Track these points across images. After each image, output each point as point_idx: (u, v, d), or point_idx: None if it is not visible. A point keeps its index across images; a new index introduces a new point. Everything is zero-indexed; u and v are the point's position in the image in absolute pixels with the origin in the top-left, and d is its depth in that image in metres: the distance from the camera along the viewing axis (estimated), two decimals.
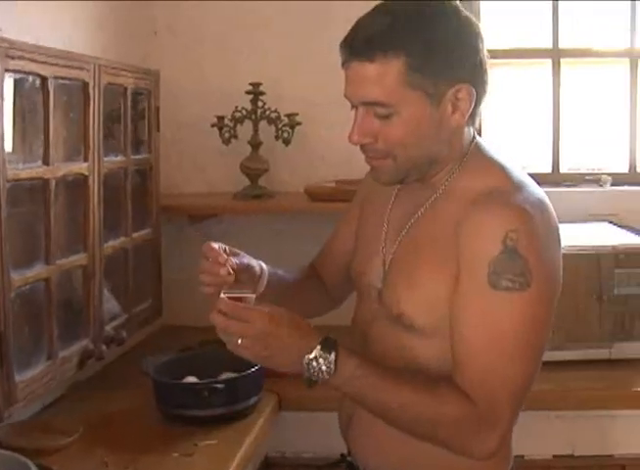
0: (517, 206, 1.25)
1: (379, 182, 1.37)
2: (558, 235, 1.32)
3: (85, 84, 1.82)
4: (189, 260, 2.70)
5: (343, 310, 1.69)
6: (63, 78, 1.74)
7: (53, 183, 1.71)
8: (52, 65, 1.67)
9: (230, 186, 2.69)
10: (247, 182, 2.62)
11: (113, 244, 2.04)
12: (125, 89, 2.05)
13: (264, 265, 1.50)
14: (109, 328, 2.01)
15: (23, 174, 1.62)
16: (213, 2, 2.67)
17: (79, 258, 1.87)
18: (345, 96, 1.32)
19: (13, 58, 1.53)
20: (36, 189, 1.69)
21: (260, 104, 2.57)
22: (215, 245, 1.39)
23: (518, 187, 1.30)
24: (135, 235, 2.17)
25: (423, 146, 1.30)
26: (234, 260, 1.39)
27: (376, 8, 1.28)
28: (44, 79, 1.66)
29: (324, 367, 1.22)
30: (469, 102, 1.28)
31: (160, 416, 1.95)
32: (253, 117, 2.57)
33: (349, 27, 1.29)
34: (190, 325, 2.47)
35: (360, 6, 1.36)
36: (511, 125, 2.81)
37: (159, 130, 2.27)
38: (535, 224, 1.24)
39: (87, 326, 1.91)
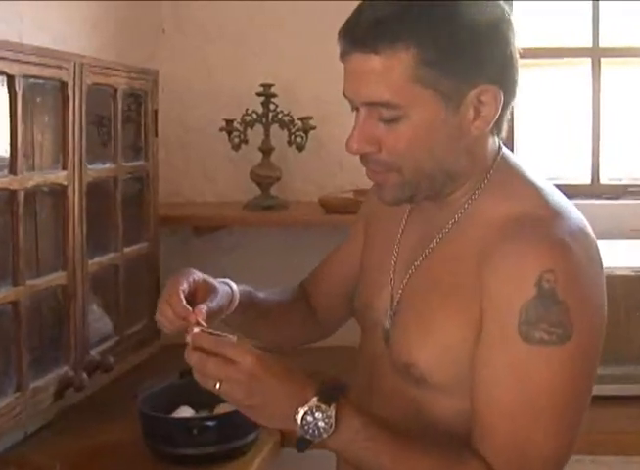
0: (555, 239, 1.05)
1: (382, 201, 1.16)
2: (602, 270, 1.11)
3: (63, 84, 1.63)
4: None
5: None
6: (35, 78, 1.55)
7: (21, 195, 1.53)
8: (21, 62, 1.49)
9: (240, 195, 2.50)
10: (257, 191, 2.43)
11: (99, 260, 1.85)
12: (116, 90, 1.86)
13: (235, 287, 1.30)
14: (94, 353, 1.83)
15: None
16: (225, 1, 2.49)
17: (57, 277, 1.68)
18: (345, 94, 1.12)
19: None
20: (1, 201, 1.51)
21: (272, 107, 2.37)
22: (182, 295, 1.18)
23: (555, 213, 1.09)
24: (127, 250, 1.98)
25: (436, 157, 1.09)
26: (203, 309, 1.17)
27: None
28: (10, 78, 1.47)
29: (321, 423, 1.02)
30: (495, 107, 1.07)
31: (149, 453, 1.76)
32: (265, 120, 2.37)
33: None
34: None
35: None
36: (545, 131, 2.57)
37: (157, 135, 2.08)
38: (577, 262, 1.05)
39: (67, 352, 1.73)
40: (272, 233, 2.51)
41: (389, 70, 1.03)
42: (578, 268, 1.04)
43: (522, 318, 1.02)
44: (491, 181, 1.14)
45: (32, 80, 1.54)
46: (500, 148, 1.17)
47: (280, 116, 2.37)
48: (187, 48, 2.54)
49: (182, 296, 1.16)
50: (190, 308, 1.15)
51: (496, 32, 1.06)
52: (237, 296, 1.30)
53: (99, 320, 1.96)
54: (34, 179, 1.58)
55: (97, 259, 1.84)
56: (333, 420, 1.02)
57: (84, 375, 1.73)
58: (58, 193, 1.68)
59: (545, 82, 2.59)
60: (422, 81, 1.03)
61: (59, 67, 1.61)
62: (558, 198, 1.13)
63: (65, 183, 1.67)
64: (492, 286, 1.04)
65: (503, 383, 1.05)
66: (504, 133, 1.16)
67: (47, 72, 1.58)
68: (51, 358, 1.70)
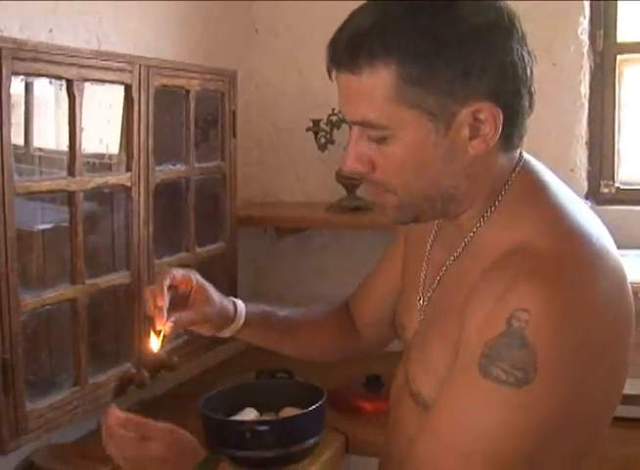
0: (541, 275, 0.94)
1: (387, 220, 1.10)
2: (612, 307, 0.98)
3: (127, 87, 1.66)
4: (278, 275, 2.57)
5: None
6: (96, 81, 1.59)
7: (80, 196, 1.57)
8: (81, 66, 1.52)
9: (328, 195, 2.47)
10: (344, 192, 2.40)
11: (168, 260, 1.87)
12: (188, 92, 1.88)
13: (240, 306, 1.33)
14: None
15: (38, 186, 1.49)
16: (316, 2, 2.46)
17: (120, 277, 1.72)
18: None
19: (23, 60, 1.40)
20: (60, 202, 1.55)
21: None
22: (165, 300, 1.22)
23: (558, 243, 0.98)
24: (200, 250, 2.00)
25: (430, 179, 1.02)
26: (170, 322, 1.23)
27: (368, 1, 1.00)
28: (69, 83, 1.51)
29: None
30: (493, 125, 0.98)
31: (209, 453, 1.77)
32: None
33: None
34: None
35: None
36: None
37: (235, 136, 2.08)
38: (559, 306, 0.92)
39: (130, 349, 1.76)
40: (357, 235, 2.47)
41: (371, 89, 0.96)
42: (562, 310, 0.92)
43: (484, 351, 0.94)
44: (501, 204, 1.05)
45: (92, 84, 1.58)
46: (518, 164, 1.07)
47: None
48: (278, 49, 2.54)
49: (166, 283, 1.22)
50: (165, 296, 1.21)
51: (488, 43, 0.96)
52: (241, 314, 1.33)
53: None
54: (94, 181, 1.61)
55: (165, 259, 1.86)
56: None
57: (146, 373, 1.76)
58: (122, 194, 1.71)
59: None
60: (406, 101, 0.96)
61: (122, 70, 1.64)
62: (576, 224, 1.01)
63: (128, 184, 1.71)
64: (468, 317, 0.97)
65: (445, 408, 0.99)
66: (519, 149, 1.06)
67: (110, 76, 1.62)
68: (113, 355, 1.74)
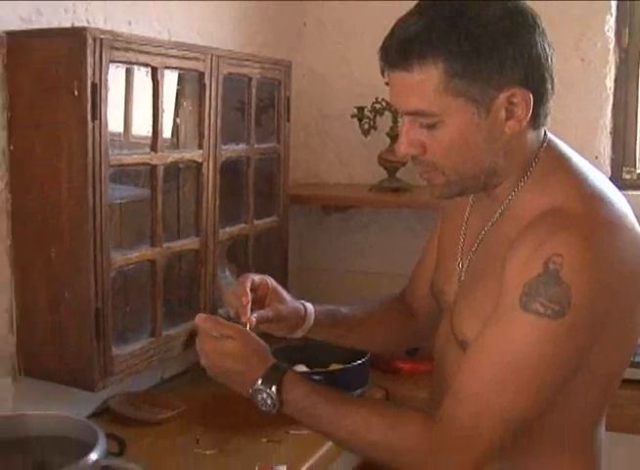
0: (572, 228, 1.12)
1: (434, 197, 1.27)
2: (632, 274, 1.16)
3: (201, 74, 1.88)
4: (323, 250, 2.78)
5: None
6: (175, 68, 1.81)
7: (161, 169, 1.79)
8: (163, 56, 1.74)
9: (370, 178, 2.68)
10: (385, 174, 2.60)
11: (230, 230, 2.09)
12: (250, 79, 2.09)
13: (310, 308, 1.47)
14: (222, 312, 2.07)
15: (127, 160, 1.71)
16: (360, 1, 2.67)
17: (191, 243, 1.94)
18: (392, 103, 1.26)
19: (118, 49, 1.61)
20: (145, 174, 1.77)
21: None
22: (248, 289, 1.37)
23: (586, 205, 1.16)
24: (258, 222, 2.21)
25: (474, 158, 1.19)
26: (253, 317, 1.36)
27: (415, 7, 1.18)
28: (154, 70, 1.73)
29: (268, 400, 1.23)
30: (525, 107, 1.15)
31: None
32: (393, 108, 2.54)
33: None
34: None
35: None
36: None
37: (289, 120, 2.29)
38: (591, 251, 1.11)
39: (197, 308, 1.98)
40: (397, 214, 2.67)
41: (422, 84, 1.13)
42: (590, 257, 1.10)
43: (525, 290, 1.11)
44: (533, 174, 1.22)
45: (172, 71, 1.79)
46: (545, 141, 1.24)
47: None
48: (327, 41, 2.75)
49: (248, 285, 1.37)
50: (249, 296, 1.35)
51: (517, 39, 1.13)
52: (311, 315, 1.46)
53: (231, 284, 2.21)
54: (173, 156, 1.84)
55: (228, 229, 2.08)
56: (275, 397, 1.22)
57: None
58: (195, 169, 1.93)
59: None
60: (452, 91, 1.13)
61: (197, 59, 1.85)
62: (597, 190, 1.19)
63: (200, 161, 1.92)
64: (508, 266, 1.15)
65: (488, 341, 1.15)
66: (544, 127, 1.24)
67: (186, 64, 1.83)
68: (183, 312, 1.96)
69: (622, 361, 1.27)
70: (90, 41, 1.54)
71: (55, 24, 1.73)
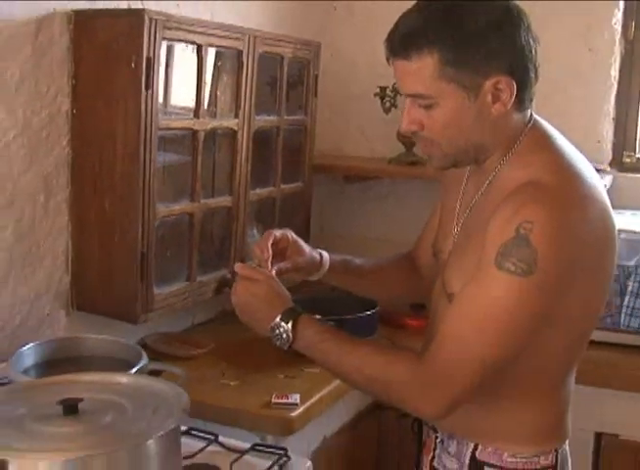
0: (543, 198, 1.27)
1: (432, 167, 1.46)
2: (597, 232, 1.32)
3: (239, 52, 2.12)
4: (343, 217, 3.03)
5: None
6: (218, 46, 2.05)
7: (202, 134, 2.04)
8: (207, 35, 1.99)
9: (389, 152, 2.91)
10: (403, 149, 2.84)
11: (260, 192, 2.35)
12: (282, 58, 2.33)
13: (325, 256, 1.66)
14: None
15: (174, 124, 1.97)
16: None
17: (224, 200, 2.20)
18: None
19: (170, 29, 1.86)
20: (187, 138, 2.03)
21: None
22: (270, 245, 1.53)
23: (560, 178, 1.31)
24: (284, 186, 2.47)
25: (464, 135, 1.36)
26: (274, 270, 1.53)
27: (415, 5, 1.35)
28: (199, 47, 1.98)
29: (284, 335, 1.40)
30: (509, 92, 1.31)
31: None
32: None
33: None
34: None
35: None
36: None
37: (316, 95, 2.54)
38: (558, 222, 1.26)
39: (227, 260, 2.24)
40: (412, 185, 2.91)
41: (420, 71, 1.30)
42: (557, 225, 1.25)
43: (499, 250, 1.26)
44: (517, 150, 1.38)
45: (215, 49, 2.04)
46: (530, 120, 1.40)
47: None
48: (354, 25, 2.98)
49: (270, 241, 1.54)
50: (269, 251, 1.53)
51: (503, 34, 1.29)
52: (326, 263, 1.65)
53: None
54: (212, 124, 2.09)
55: (257, 191, 2.34)
56: (290, 332, 1.40)
57: None
58: (230, 136, 2.18)
59: None
60: (445, 78, 1.29)
61: (236, 39, 2.10)
62: (572, 166, 1.34)
63: (236, 128, 2.18)
64: (489, 230, 1.30)
65: (467, 294, 1.31)
66: (531, 109, 1.41)
67: (227, 43, 2.08)
68: (215, 262, 2.22)
69: (589, 319, 1.43)
70: (147, 21, 1.79)
71: (113, 5, 1.98)
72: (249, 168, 2.25)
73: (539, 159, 1.36)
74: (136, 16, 1.80)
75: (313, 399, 1.94)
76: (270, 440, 1.84)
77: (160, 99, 1.92)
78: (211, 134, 2.13)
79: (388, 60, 1.37)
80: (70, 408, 1.18)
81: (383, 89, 2.80)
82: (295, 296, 2.31)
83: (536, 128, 1.41)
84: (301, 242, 1.64)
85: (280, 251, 1.59)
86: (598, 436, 2.26)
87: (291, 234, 1.62)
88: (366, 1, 2.95)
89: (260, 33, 2.21)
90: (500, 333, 1.29)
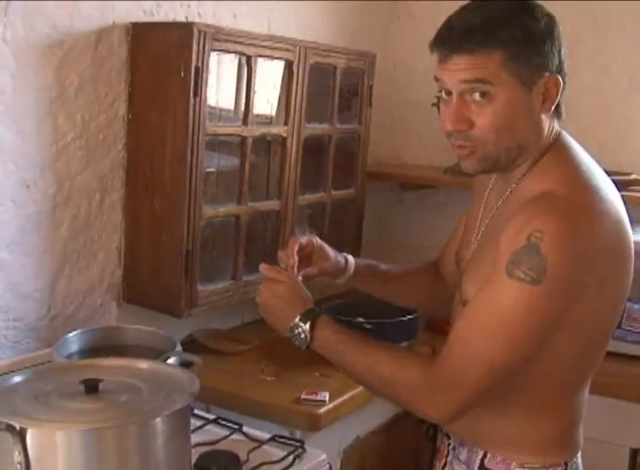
0: (555, 210, 1.30)
1: (466, 171, 1.46)
2: (609, 253, 1.34)
3: (290, 63, 2.22)
4: (401, 225, 3.08)
5: None
6: (268, 57, 2.15)
7: (249, 140, 2.14)
8: (257, 46, 2.09)
9: (447, 161, 2.95)
10: None
11: (309, 197, 2.44)
12: (335, 68, 2.42)
13: (351, 260, 1.71)
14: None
15: (221, 130, 2.08)
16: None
17: (273, 204, 2.30)
18: (440, 84, 1.42)
19: (219, 40, 1.97)
20: (235, 144, 2.14)
21: None
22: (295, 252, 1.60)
23: (571, 192, 1.33)
24: (335, 193, 2.55)
25: (513, 132, 1.36)
26: (300, 276, 1.59)
27: (468, 7, 1.37)
28: (249, 58, 2.08)
29: (302, 335, 1.47)
30: (556, 91, 1.35)
31: None
32: None
33: None
34: None
35: None
36: None
37: (370, 105, 2.61)
38: (566, 232, 1.28)
39: (275, 261, 2.33)
40: (469, 195, 2.93)
41: (485, 61, 1.31)
42: (566, 236, 1.27)
43: (511, 259, 1.29)
44: (540, 163, 1.40)
45: (265, 59, 2.14)
46: (559, 132, 1.42)
47: None
48: (416, 35, 3.02)
49: (296, 248, 1.60)
50: (295, 257, 1.59)
51: (554, 34, 1.35)
52: (351, 267, 1.69)
53: None
54: (260, 130, 2.19)
55: (307, 196, 2.43)
56: (308, 333, 1.46)
57: None
58: (280, 143, 2.28)
59: None
60: (507, 70, 1.31)
61: (286, 50, 2.19)
62: (587, 179, 1.35)
63: (285, 135, 2.27)
64: (502, 238, 1.33)
65: (478, 301, 1.34)
66: (563, 115, 1.44)
67: (278, 54, 2.18)
68: (261, 263, 2.31)
69: (601, 330, 1.43)
70: (196, 33, 1.91)
71: (172, 17, 2.12)
72: (298, 174, 2.34)
73: (559, 172, 1.38)
74: (186, 28, 1.92)
75: (343, 398, 2.01)
76: (299, 435, 1.92)
77: (213, 105, 2.04)
78: (262, 141, 2.23)
79: (441, 60, 1.37)
80: (91, 388, 1.31)
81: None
82: (338, 300, 2.42)
83: (561, 141, 1.44)
84: (327, 247, 1.69)
85: (306, 256, 1.64)
86: (634, 452, 2.24)
87: (316, 240, 1.67)
88: (427, 9, 3.00)
89: (313, 44, 2.30)
90: (509, 339, 1.32)
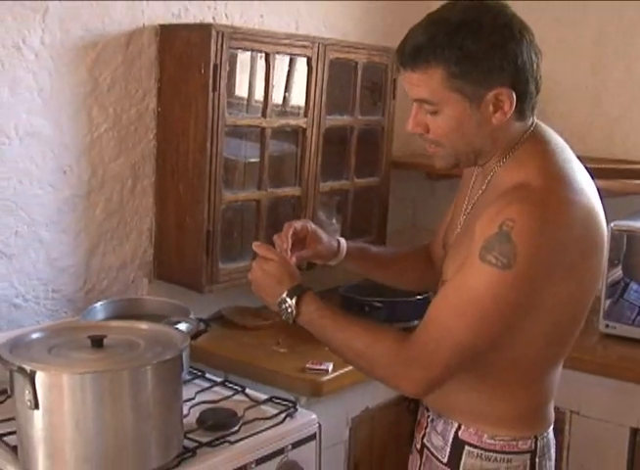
0: (527, 200, 1.36)
1: (435, 166, 1.55)
2: (579, 242, 1.39)
3: (309, 59, 2.39)
4: (432, 213, 3.20)
5: None
6: (286, 54, 2.33)
7: (269, 131, 2.33)
8: (274, 44, 2.27)
9: None
10: None
11: (331, 184, 2.61)
12: (356, 64, 2.58)
13: (343, 243, 1.79)
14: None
15: (240, 122, 2.27)
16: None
17: (292, 190, 2.48)
18: None
19: (237, 39, 2.16)
20: (255, 134, 2.33)
21: None
22: (290, 235, 1.67)
23: (547, 182, 1.39)
24: (358, 181, 2.71)
25: (465, 140, 1.45)
26: (294, 257, 1.67)
27: (423, 20, 1.44)
28: (267, 54, 2.27)
29: (289, 309, 1.54)
30: (509, 103, 1.39)
31: None
32: None
33: None
34: None
35: None
36: None
37: (394, 98, 2.75)
38: (536, 221, 1.35)
39: None
40: None
41: (426, 81, 1.40)
42: (536, 224, 1.34)
43: (483, 244, 1.36)
44: (513, 155, 1.47)
45: (284, 56, 2.32)
46: (530, 128, 1.47)
47: None
48: None
49: (290, 232, 1.68)
50: (289, 241, 1.67)
51: (505, 50, 1.37)
52: (343, 249, 1.78)
53: (336, 231, 2.69)
54: (279, 122, 2.37)
55: (329, 183, 2.60)
56: (294, 308, 1.53)
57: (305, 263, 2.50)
58: (300, 133, 2.46)
59: None
60: (450, 88, 1.39)
61: (305, 47, 2.37)
62: (562, 171, 1.41)
63: (304, 126, 2.45)
64: (477, 225, 1.40)
65: (452, 284, 1.42)
66: (531, 118, 1.47)
67: (296, 51, 2.35)
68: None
69: (571, 315, 1.50)
70: (214, 33, 2.11)
71: (199, 19, 2.31)
72: (318, 162, 2.51)
73: (533, 163, 1.44)
74: (205, 29, 2.12)
75: (346, 369, 2.17)
76: (304, 401, 2.10)
77: (243, 95, 2.25)
78: (283, 131, 2.41)
79: (397, 70, 1.53)
80: (96, 342, 1.54)
81: None
82: (354, 281, 2.57)
83: (536, 135, 1.49)
84: (320, 231, 1.77)
85: (300, 240, 1.73)
86: (634, 431, 2.30)
87: (310, 225, 1.75)
88: None
89: (332, 41, 2.47)
90: (478, 319, 1.39)
